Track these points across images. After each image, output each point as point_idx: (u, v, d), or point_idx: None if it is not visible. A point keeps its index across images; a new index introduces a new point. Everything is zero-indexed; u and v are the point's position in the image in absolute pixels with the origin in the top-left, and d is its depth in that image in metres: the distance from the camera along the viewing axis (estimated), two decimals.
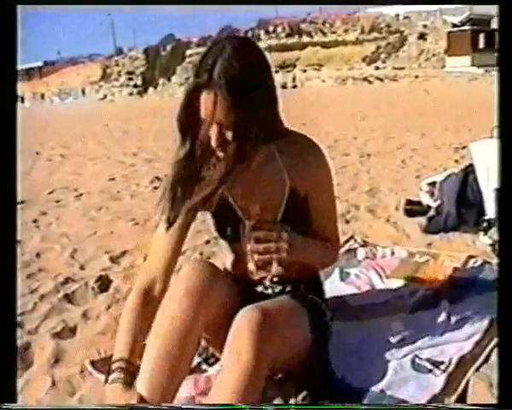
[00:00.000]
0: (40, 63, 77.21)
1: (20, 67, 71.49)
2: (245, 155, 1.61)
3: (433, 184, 3.81)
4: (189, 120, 1.62)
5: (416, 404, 1.68)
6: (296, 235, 1.73)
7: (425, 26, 47.83)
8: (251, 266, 1.66)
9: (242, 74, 1.53)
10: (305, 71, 47.06)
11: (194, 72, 1.58)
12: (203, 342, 1.98)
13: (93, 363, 2.14)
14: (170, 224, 1.74)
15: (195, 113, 1.60)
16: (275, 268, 1.66)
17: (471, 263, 2.83)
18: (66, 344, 2.36)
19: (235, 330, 1.55)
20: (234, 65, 1.52)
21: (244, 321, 1.55)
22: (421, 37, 46.84)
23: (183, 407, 1.69)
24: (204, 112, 1.57)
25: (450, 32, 42.94)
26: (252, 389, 1.49)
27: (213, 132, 1.59)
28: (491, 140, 3.46)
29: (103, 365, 2.10)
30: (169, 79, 51.20)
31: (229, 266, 2.00)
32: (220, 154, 1.64)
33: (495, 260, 2.79)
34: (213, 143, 1.60)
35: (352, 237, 3.36)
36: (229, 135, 1.59)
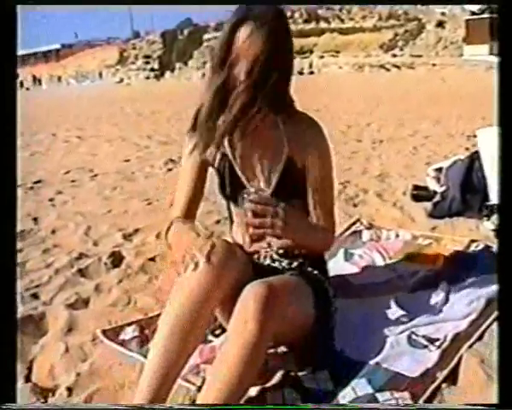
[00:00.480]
0: (57, 46, 77.05)
1: (37, 49, 71.74)
2: (262, 93, 1.75)
3: (439, 169, 3.86)
4: (226, 53, 1.78)
5: (417, 403, 1.71)
6: (293, 213, 1.79)
7: (443, 14, 47.08)
8: (246, 238, 1.75)
9: (275, 22, 1.77)
10: (322, 57, 46.58)
11: (234, 12, 1.80)
12: None
13: (104, 332, 2.23)
14: (202, 151, 1.93)
15: (231, 48, 1.77)
16: (274, 242, 1.73)
17: (473, 247, 2.88)
18: (79, 314, 2.45)
19: (241, 302, 1.61)
20: (268, 14, 1.77)
21: (250, 295, 1.60)
22: (440, 24, 46.12)
23: (183, 407, 1.74)
24: (240, 45, 1.75)
25: (468, 20, 42.15)
26: (254, 357, 1.55)
27: (245, 64, 1.75)
28: (497, 128, 3.49)
29: (114, 334, 2.21)
30: (186, 63, 50.90)
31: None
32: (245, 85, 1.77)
33: (496, 245, 2.83)
34: (243, 75, 1.76)
35: (358, 220, 3.42)
36: (256, 67, 1.74)
